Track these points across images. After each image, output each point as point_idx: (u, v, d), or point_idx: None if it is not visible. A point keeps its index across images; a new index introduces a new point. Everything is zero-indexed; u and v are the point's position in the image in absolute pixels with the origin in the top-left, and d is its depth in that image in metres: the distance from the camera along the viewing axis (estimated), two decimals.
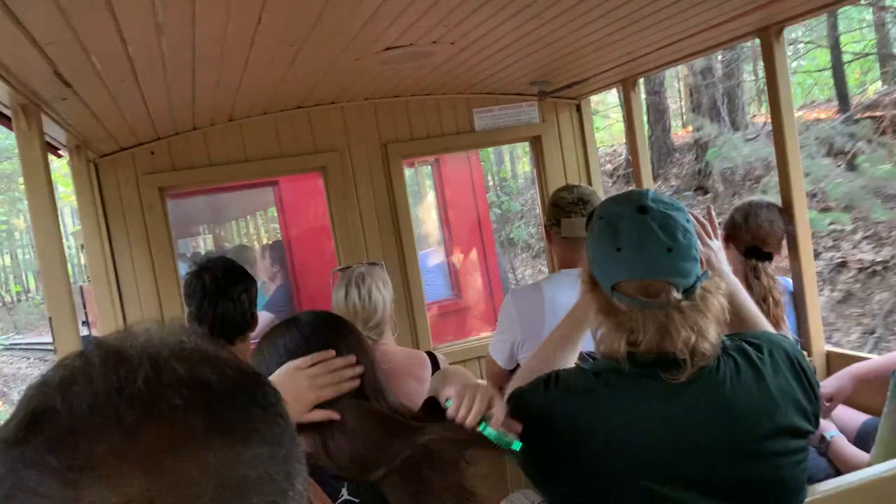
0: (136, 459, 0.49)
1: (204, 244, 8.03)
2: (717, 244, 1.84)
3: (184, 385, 0.52)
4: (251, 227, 8.21)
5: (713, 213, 1.95)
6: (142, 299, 3.27)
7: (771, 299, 2.42)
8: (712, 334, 1.31)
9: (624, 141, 12.22)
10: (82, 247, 3.73)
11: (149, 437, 0.49)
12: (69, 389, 0.51)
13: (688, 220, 1.36)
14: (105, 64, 1.87)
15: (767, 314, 2.42)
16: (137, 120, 2.77)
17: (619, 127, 13.45)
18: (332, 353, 1.28)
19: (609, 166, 12.91)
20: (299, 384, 1.24)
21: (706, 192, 10.19)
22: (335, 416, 1.24)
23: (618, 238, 1.33)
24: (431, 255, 5.91)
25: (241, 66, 2.30)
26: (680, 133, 12.29)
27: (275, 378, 1.29)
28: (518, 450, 1.25)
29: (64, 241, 2.24)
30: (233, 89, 2.66)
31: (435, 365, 2.29)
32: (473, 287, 5.70)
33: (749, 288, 2.49)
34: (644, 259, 1.30)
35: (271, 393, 0.58)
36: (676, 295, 1.29)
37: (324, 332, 1.35)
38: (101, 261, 3.13)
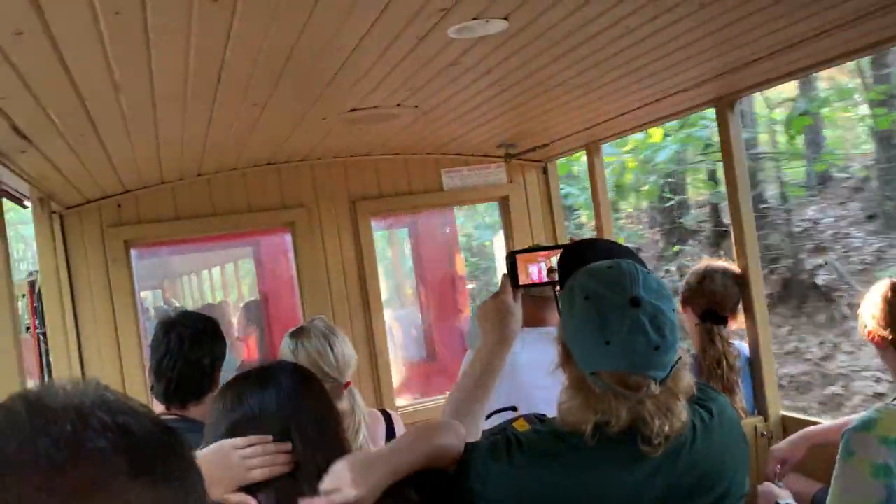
0: (61, 497, 0.50)
1: (152, 298, 7.85)
2: None
3: (108, 430, 0.55)
4: (207, 284, 8.09)
5: None
6: (102, 352, 3.22)
7: (725, 363, 2.44)
8: (683, 414, 1.32)
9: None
10: (22, 296, 3.68)
11: (74, 476, 0.51)
12: None
13: (673, 311, 1.33)
14: (63, 119, 1.88)
15: (721, 378, 2.43)
16: (102, 174, 2.78)
17: None
18: (270, 438, 1.28)
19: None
20: (230, 462, 1.24)
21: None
22: (251, 501, 1.24)
23: (607, 331, 1.28)
24: (407, 316, 5.88)
25: (205, 124, 2.33)
26: None
27: (208, 452, 1.28)
28: None
29: None
30: (199, 146, 2.69)
31: (388, 423, 2.26)
32: (447, 347, 5.66)
33: (703, 351, 2.51)
34: (631, 356, 1.28)
35: (185, 443, 0.62)
36: (655, 388, 1.29)
37: (302, 400, 1.35)
38: (60, 313, 3.09)
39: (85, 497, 0.51)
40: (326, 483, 1.25)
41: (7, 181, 2.47)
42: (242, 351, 5.11)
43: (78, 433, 0.53)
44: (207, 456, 1.26)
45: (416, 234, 5.81)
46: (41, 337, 3.32)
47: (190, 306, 7.93)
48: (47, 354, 3.20)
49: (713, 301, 2.55)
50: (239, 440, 1.28)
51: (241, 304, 5.81)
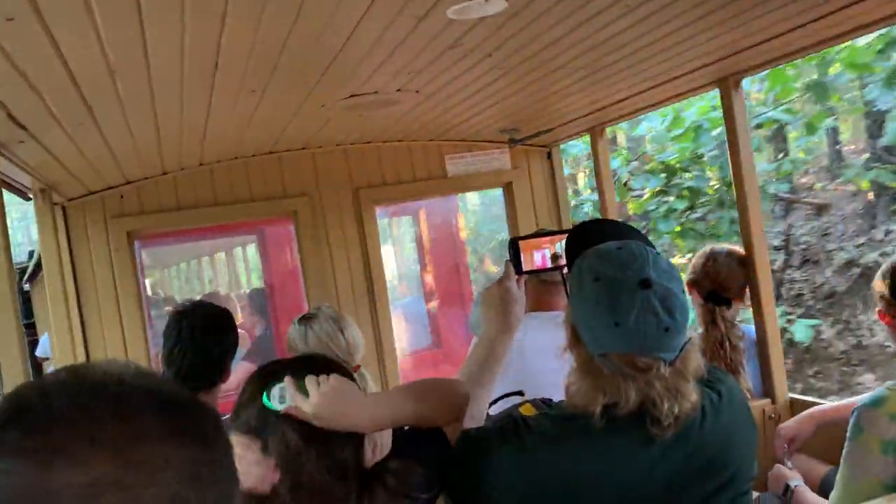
0: (104, 446, 0.55)
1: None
2: None
3: (147, 393, 0.61)
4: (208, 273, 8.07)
5: None
6: (107, 343, 3.23)
7: (728, 344, 2.43)
8: (692, 395, 1.31)
9: None
10: None
11: (117, 429, 0.56)
12: (44, 391, 0.58)
13: (683, 292, 1.33)
14: (60, 107, 1.87)
15: (724, 359, 2.42)
16: (102, 164, 2.77)
17: None
18: (256, 446, 1.22)
19: None
20: None
21: None
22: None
23: (616, 312, 1.27)
24: (412, 304, 5.88)
25: (203, 111, 2.31)
26: None
27: None
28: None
29: None
30: (198, 134, 2.67)
31: None
32: (453, 335, 5.67)
33: (707, 332, 2.50)
34: (641, 338, 1.27)
35: (214, 410, 0.67)
36: (664, 370, 1.28)
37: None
38: (64, 305, 3.09)
39: (128, 449, 0.56)
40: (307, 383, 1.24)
41: (8, 173, 2.46)
42: (247, 341, 5.12)
43: (119, 394, 0.59)
44: None
45: (420, 222, 5.81)
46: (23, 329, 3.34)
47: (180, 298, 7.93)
48: (31, 346, 3.21)
49: (717, 283, 2.54)
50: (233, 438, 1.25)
51: (246, 293, 5.81)
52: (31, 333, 6.43)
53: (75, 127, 2.08)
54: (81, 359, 3.18)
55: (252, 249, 6.58)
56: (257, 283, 7.19)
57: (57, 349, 3.15)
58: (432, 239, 5.79)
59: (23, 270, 6.90)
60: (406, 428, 1.41)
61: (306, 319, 2.36)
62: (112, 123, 2.16)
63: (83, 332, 3.19)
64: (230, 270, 7.96)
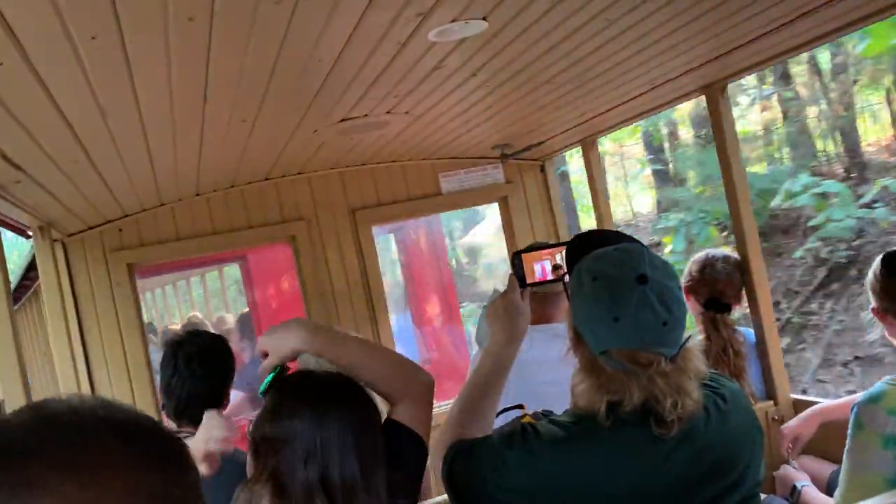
0: (76, 473, 0.58)
1: None
2: None
3: (112, 421, 0.63)
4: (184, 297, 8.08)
5: None
6: (112, 376, 3.24)
7: (731, 350, 2.43)
8: (695, 392, 1.33)
9: None
10: None
11: (86, 455, 0.59)
12: (7, 426, 0.61)
13: (679, 288, 1.37)
14: (54, 146, 1.90)
15: (728, 365, 2.43)
16: (100, 199, 2.80)
17: None
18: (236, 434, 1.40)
19: None
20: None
21: None
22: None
23: (615, 308, 1.31)
24: (402, 320, 5.89)
25: (196, 143, 2.34)
26: None
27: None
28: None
29: None
30: (193, 165, 2.70)
31: None
32: (443, 351, 5.67)
33: (708, 339, 2.50)
34: (640, 332, 1.30)
35: (180, 438, 0.70)
36: (665, 366, 1.30)
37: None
38: (66, 340, 3.11)
39: (94, 474, 0.58)
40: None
41: (6, 213, 2.49)
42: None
43: (84, 425, 0.61)
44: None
45: (403, 238, 5.82)
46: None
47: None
48: None
49: (715, 289, 2.54)
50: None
51: (236, 318, 5.82)
52: None
53: (70, 165, 2.11)
54: (87, 391, 3.19)
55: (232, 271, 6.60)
56: (235, 308, 7.18)
57: (62, 384, 3.17)
58: (414, 255, 5.81)
59: None
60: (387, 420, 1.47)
61: None
62: (107, 160, 2.19)
63: (87, 365, 3.20)
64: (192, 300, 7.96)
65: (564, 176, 10.95)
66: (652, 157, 12.07)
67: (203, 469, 1.44)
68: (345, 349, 1.49)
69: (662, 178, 12.01)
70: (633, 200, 13.72)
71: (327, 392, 1.37)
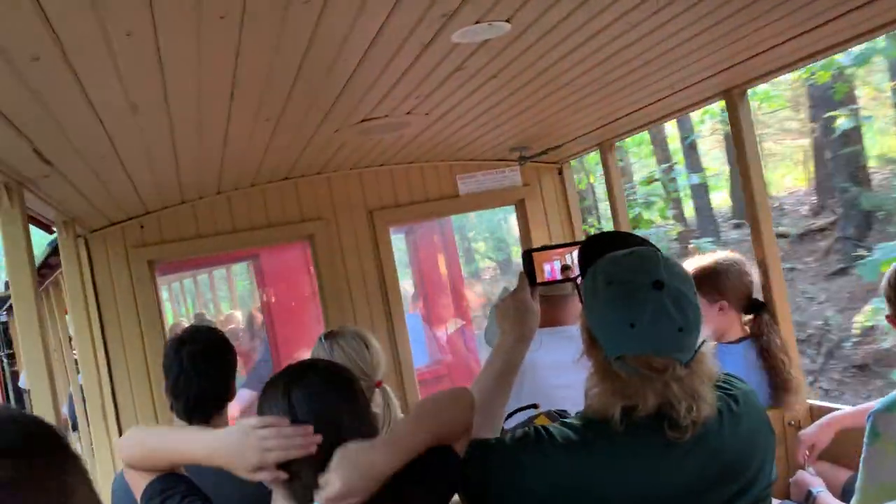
0: None
1: None
2: None
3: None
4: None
5: None
6: (131, 371, 3.28)
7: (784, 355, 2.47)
8: (709, 396, 1.33)
9: None
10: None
11: None
12: None
13: (694, 294, 1.35)
14: (83, 142, 1.94)
15: (781, 372, 2.46)
16: (124, 195, 2.84)
17: None
18: (287, 420, 1.27)
19: None
20: (248, 443, 1.24)
21: None
22: (283, 475, 1.25)
23: (631, 314, 1.30)
24: (414, 319, 5.90)
25: (220, 142, 2.38)
26: None
27: (225, 434, 1.31)
28: None
29: None
30: (216, 164, 2.74)
31: None
32: (454, 350, 5.68)
33: (758, 343, 2.52)
34: (656, 339, 1.29)
35: (62, 436, 0.75)
36: (680, 371, 1.30)
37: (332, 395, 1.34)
38: (89, 335, 3.16)
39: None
40: (322, 478, 1.24)
41: (33, 207, 2.54)
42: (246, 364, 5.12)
43: None
44: (227, 437, 1.29)
45: (414, 239, 5.83)
46: (4, 359, 3.40)
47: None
48: (13, 377, 3.27)
49: (744, 291, 2.55)
50: (254, 420, 1.28)
51: (245, 316, 5.84)
52: (11, 364, 6.42)
53: (98, 160, 2.15)
54: (106, 387, 3.23)
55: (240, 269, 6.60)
56: (244, 306, 7.20)
57: (84, 380, 3.21)
58: (425, 255, 5.81)
59: (2, 300, 6.86)
60: None
61: (332, 336, 2.41)
62: (133, 156, 2.23)
63: (108, 361, 3.24)
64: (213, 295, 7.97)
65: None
66: None
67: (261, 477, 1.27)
68: (417, 448, 1.34)
69: None
70: None
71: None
